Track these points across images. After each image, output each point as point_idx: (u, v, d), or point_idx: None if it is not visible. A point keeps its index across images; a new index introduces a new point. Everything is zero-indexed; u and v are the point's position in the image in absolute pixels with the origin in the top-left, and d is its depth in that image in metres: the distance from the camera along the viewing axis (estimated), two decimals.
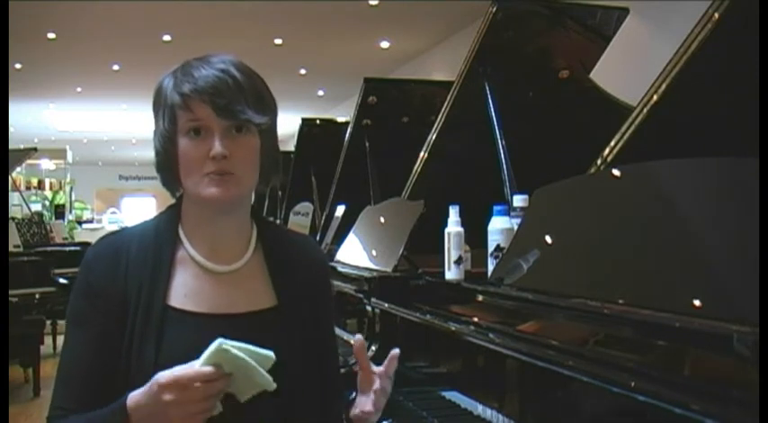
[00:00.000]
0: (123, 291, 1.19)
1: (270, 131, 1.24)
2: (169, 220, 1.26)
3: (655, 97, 1.62)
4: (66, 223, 10.20)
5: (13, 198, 9.00)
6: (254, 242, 1.28)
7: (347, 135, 3.68)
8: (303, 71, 10.20)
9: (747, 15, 1.43)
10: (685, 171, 1.28)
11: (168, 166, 1.21)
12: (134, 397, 1.09)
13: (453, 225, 1.99)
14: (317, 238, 3.83)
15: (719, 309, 1.09)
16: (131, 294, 1.19)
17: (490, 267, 1.84)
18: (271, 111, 1.23)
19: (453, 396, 1.71)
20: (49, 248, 6.56)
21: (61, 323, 6.52)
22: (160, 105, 1.21)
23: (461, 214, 2.00)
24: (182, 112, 1.17)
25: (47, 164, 13.03)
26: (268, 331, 1.21)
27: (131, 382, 1.14)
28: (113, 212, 16.29)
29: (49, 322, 5.94)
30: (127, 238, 1.25)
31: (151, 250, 1.22)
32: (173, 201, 1.30)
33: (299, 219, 4.17)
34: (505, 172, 2.27)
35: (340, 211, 3.63)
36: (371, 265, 2.43)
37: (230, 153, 1.15)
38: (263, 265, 1.27)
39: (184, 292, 1.21)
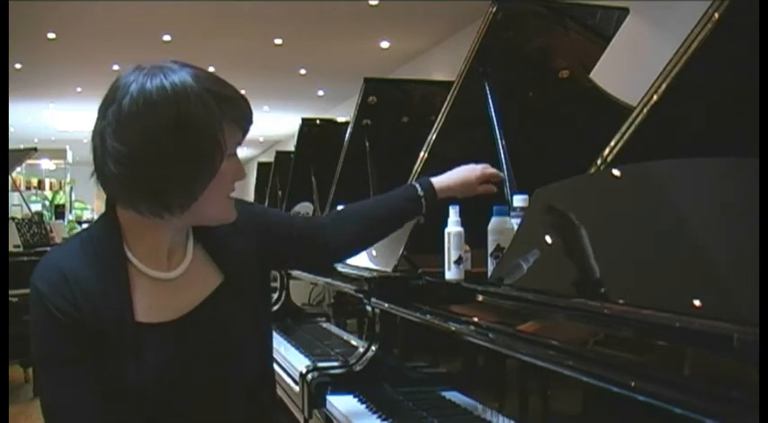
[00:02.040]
0: (88, 316, 1.15)
1: None
2: (109, 238, 1.21)
3: (655, 97, 1.62)
4: (66, 223, 10.21)
5: (13, 198, 9.01)
6: (191, 237, 1.30)
7: (347, 135, 3.68)
8: (303, 71, 10.20)
9: (747, 15, 1.43)
10: (685, 171, 1.28)
11: (199, 188, 1.15)
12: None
13: (453, 225, 1.99)
14: None
15: (719, 309, 1.09)
16: (98, 316, 1.15)
17: (490, 267, 1.84)
18: None
19: (453, 396, 1.71)
20: (49, 248, 6.54)
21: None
22: (200, 123, 1.11)
23: (461, 214, 2.00)
24: (235, 134, 1.19)
25: (47, 164, 13.04)
26: (223, 306, 1.26)
27: (115, 402, 1.15)
28: None
29: None
30: (70, 260, 1.19)
31: (103, 272, 1.18)
32: None
33: None
34: (505, 172, 2.27)
35: None
36: (371, 265, 2.43)
37: None
38: (203, 251, 1.30)
39: (148, 305, 1.20)
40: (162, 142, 1.10)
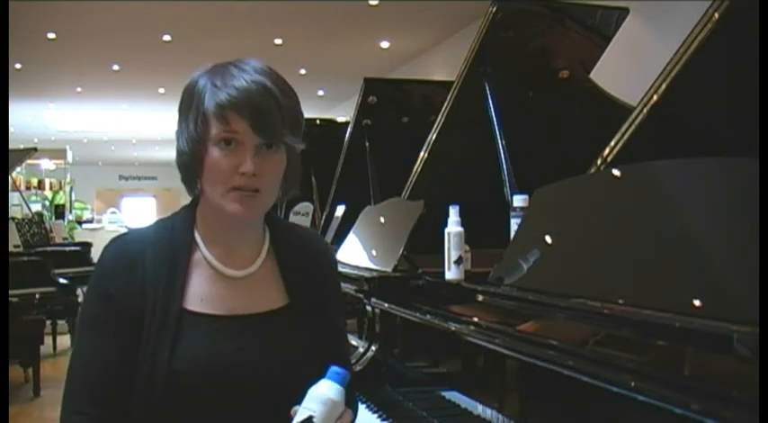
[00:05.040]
0: (140, 295, 1.19)
1: (296, 148, 1.23)
2: (185, 223, 1.26)
3: (655, 97, 1.62)
4: (66, 223, 10.20)
5: (13, 198, 9.00)
6: (267, 246, 1.29)
7: (347, 135, 3.68)
8: (303, 71, 10.19)
9: (747, 15, 1.43)
10: (685, 171, 1.28)
11: (193, 168, 1.20)
12: None
13: (453, 225, 1.99)
14: None
15: (719, 309, 1.09)
16: (148, 299, 1.19)
17: None
18: (302, 128, 1.24)
19: (453, 396, 1.71)
20: (49, 248, 6.56)
21: (61, 323, 6.52)
22: (191, 106, 1.19)
23: (461, 214, 2.00)
24: (217, 121, 1.16)
25: (47, 164, 13.02)
26: (281, 330, 1.24)
27: (146, 385, 1.16)
28: (113, 212, 16.27)
29: (49, 322, 5.93)
30: (142, 242, 1.24)
31: (167, 254, 1.22)
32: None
33: (299, 219, 4.17)
34: (505, 172, 2.27)
35: (340, 211, 3.63)
36: (371, 265, 2.43)
37: (259, 170, 1.16)
38: (276, 266, 1.29)
39: (200, 295, 1.22)
40: (177, 129, 1.23)
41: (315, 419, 1.09)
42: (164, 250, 1.22)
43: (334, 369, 1.13)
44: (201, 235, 1.25)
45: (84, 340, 1.23)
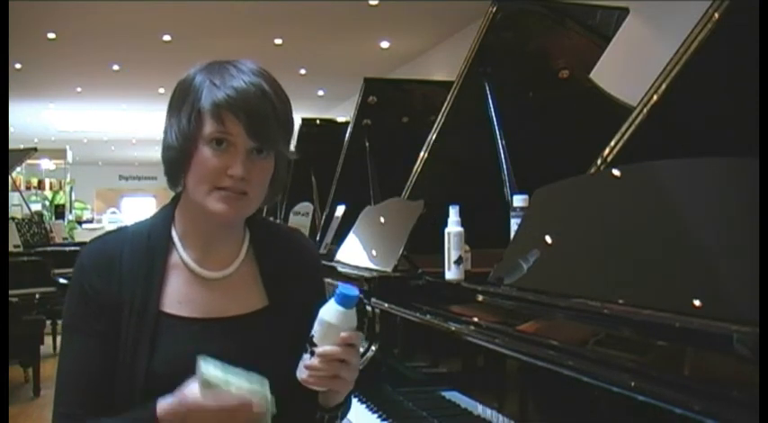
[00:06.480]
0: (118, 296, 1.18)
1: (286, 156, 1.22)
2: (163, 223, 1.24)
3: (655, 97, 1.62)
4: (66, 223, 10.21)
5: (13, 198, 9.00)
6: (246, 247, 1.27)
7: (347, 135, 3.68)
8: (303, 71, 10.20)
9: (747, 15, 1.43)
10: (685, 171, 1.28)
11: (180, 163, 1.17)
12: (163, 407, 1.10)
13: (453, 225, 1.99)
14: (317, 238, 3.83)
15: (719, 309, 1.09)
16: (125, 300, 1.18)
17: None
18: (292, 136, 1.22)
19: (453, 396, 1.71)
20: (49, 248, 6.55)
21: (61, 323, 6.51)
22: (185, 101, 1.16)
23: (461, 214, 2.00)
24: (212, 120, 1.14)
25: (47, 164, 13.04)
26: (260, 332, 1.22)
27: (126, 387, 1.15)
28: (113, 212, 16.31)
29: (49, 322, 5.93)
30: (119, 242, 1.22)
31: (144, 256, 1.20)
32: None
33: (299, 219, 4.17)
34: (505, 172, 2.27)
35: (340, 211, 3.63)
36: (371, 265, 2.43)
37: (248, 175, 1.14)
38: (255, 267, 1.27)
39: (178, 298, 1.20)
40: (165, 123, 1.20)
41: (314, 339, 1.14)
42: (141, 251, 1.21)
43: (339, 290, 1.13)
44: (179, 235, 1.23)
45: (66, 341, 1.22)
